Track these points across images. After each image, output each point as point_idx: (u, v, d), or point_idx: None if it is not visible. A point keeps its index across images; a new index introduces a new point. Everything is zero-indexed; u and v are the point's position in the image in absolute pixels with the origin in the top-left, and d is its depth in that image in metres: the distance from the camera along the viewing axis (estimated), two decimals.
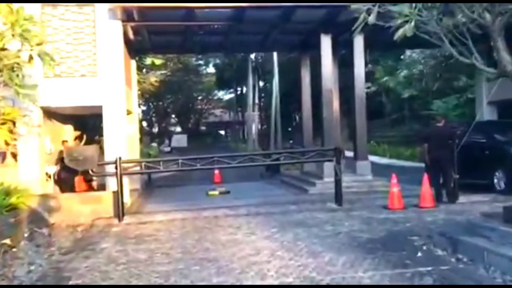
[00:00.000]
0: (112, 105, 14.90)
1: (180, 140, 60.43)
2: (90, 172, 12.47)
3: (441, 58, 34.57)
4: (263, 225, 10.83)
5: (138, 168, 13.55)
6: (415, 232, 9.31)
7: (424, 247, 8.08)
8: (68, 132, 19.04)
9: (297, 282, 6.56)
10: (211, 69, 71.83)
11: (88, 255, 8.80)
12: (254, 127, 45.72)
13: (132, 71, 19.19)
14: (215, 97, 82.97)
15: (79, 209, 12.88)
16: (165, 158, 14.99)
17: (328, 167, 16.17)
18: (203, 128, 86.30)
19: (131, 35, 16.89)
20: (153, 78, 26.64)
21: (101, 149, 14.62)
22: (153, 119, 75.38)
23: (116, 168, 12.19)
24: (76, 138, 19.24)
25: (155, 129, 73.25)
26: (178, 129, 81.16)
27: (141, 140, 48.27)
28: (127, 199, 14.96)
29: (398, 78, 36.98)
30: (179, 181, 23.22)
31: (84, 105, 15.05)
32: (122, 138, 14.95)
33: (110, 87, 14.86)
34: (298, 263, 7.44)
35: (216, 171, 22.03)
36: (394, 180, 12.57)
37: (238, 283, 6.67)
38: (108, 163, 12.99)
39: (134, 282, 6.98)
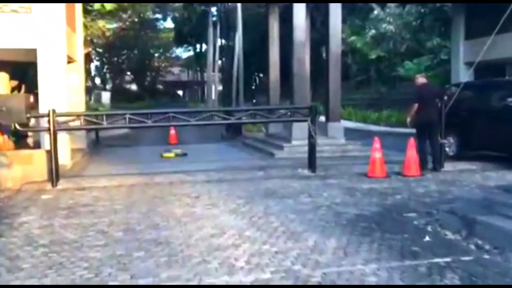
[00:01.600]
0: (49, 48, 12.72)
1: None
2: (17, 126, 10.30)
3: (410, 17, 33.14)
4: (227, 195, 9.06)
5: (78, 123, 11.39)
6: (410, 207, 7.70)
7: (429, 228, 6.44)
8: (2, 81, 16.68)
9: (277, 280, 4.82)
10: (169, 24, 68.89)
11: (1, 232, 6.84)
12: (214, 88, 43.65)
13: (76, 12, 16.82)
14: (173, 55, 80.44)
15: (5, 171, 10.81)
16: (109, 112, 12.83)
17: (298, 128, 14.53)
18: (160, 87, 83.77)
19: None
20: (102, 23, 23.80)
21: (36, 101, 12.51)
22: (107, 75, 72.34)
23: (48, 122, 10.11)
24: (13, 90, 16.94)
25: (109, 86, 70.28)
26: (134, 87, 78.35)
27: (89, 95, 45.98)
28: (67, 160, 12.95)
29: (366, 38, 35.36)
30: (131, 141, 21.19)
31: (14, 47, 12.82)
32: (60, 88, 12.83)
33: (46, 26, 12.65)
34: (275, 249, 5.68)
35: (172, 131, 20.10)
36: (377, 144, 10.93)
37: (196, 279, 4.89)
38: (38, 116, 10.90)
39: (51, 276, 5.11)
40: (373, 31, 35.24)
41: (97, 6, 23.09)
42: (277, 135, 16.99)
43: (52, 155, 10.30)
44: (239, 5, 33.04)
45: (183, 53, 78.84)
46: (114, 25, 57.00)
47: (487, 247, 5.60)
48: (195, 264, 5.27)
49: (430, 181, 9.99)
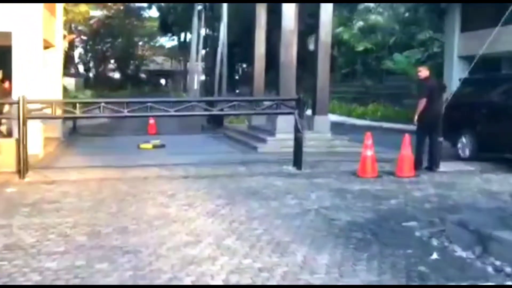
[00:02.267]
0: (24, 31, 11.87)
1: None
2: None
3: (401, 8, 32.52)
4: (205, 194, 8.32)
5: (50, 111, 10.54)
6: (409, 214, 7.01)
7: (435, 242, 5.71)
8: None
9: None
10: (154, 13, 67.63)
11: None
12: (197, 77, 42.78)
13: None
14: (158, 44, 79.28)
15: None
16: (84, 100, 11.98)
17: (282, 121, 13.80)
18: (143, 75, 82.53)
19: None
20: (84, 7, 22.70)
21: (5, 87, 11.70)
22: (91, 63, 70.99)
23: (18, 109, 9.27)
24: None
25: (92, 74, 68.96)
26: (117, 75, 77.08)
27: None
28: (39, 150, 12.13)
29: (353, 29, 34.68)
30: (110, 130, 20.30)
31: None
32: (36, 74, 11.99)
33: (22, 8, 11.78)
34: (258, 264, 4.93)
35: (151, 121, 19.26)
36: (369, 140, 10.23)
37: None
38: (6, 103, 10.05)
39: None
40: (360, 23, 34.59)
41: None
42: (260, 127, 16.25)
43: (21, 145, 9.47)
44: None
45: (167, 42, 77.71)
46: (99, 13, 55.95)
47: (508, 269, 4.82)
48: (165, 281, 4.52)
49: (427, 183, 9.32)
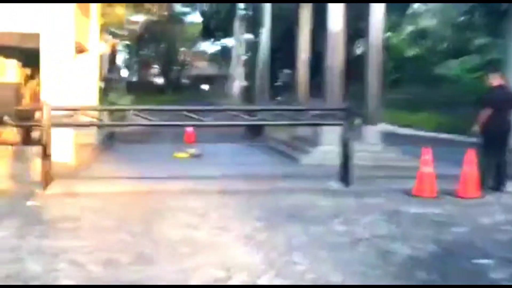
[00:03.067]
0: (54, 33, 11.24)
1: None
2: (5, 119, 8.78)
3: (453, 12, 31.03)
4: (240, 214, 7.40)
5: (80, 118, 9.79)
6: (478, 247, 5.91)
7: None
8: (12, 69, 15.26)
9: None
10: (197, 18, 67.40)
11: None
12: (238, 82, 42.03)
13: None
14: (200, 49, 79.21)
15: None
16: (112, 107, 11.23)
17: (327, 131, 12.77)
18: (185, 80, 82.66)
19: None
20: (121, 10, 22.06)
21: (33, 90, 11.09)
22: (134, 68, 71.38)
23: (41, 116, 8.55)
24: (26, 78, 15.52)
25: (135, 79, 69.22)
26: (160, 80, 77.33)
27: (108, 88, 44.62)
28: (70, 158, 11.44)
29: (402, 34, 33.36)
30: (147, 136, 19.60)
31: (16, 31, 11.39)
32: (66, 78, 11.34)
33: (52, 8, 11.17)
34: None
35: (189, 129, 18.47)
36: (426, 155, 9.13)
37: None
38: (29, 109, 9.38)
39: None
40: (410, 28, 33.25)
41: None
42: (303, 138, 15.22)
43: (45, 154, 8.76)
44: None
45: (209, 47, 77.49)
46: (142, 18, 56.03)
47: None
48: None
49: (495, 207, 8.17)
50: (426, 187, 8.97)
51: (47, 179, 8.68)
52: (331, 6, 13.58)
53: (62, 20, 11.21)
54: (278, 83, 56.62)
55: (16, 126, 10.38)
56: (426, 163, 9.03)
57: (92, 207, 7.68)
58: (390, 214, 7.57)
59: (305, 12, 17.10)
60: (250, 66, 42.32)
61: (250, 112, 11.85)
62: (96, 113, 9.26)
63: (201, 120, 9.12)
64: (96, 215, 7.20)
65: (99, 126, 9.61)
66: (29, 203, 7.95)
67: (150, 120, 8.88)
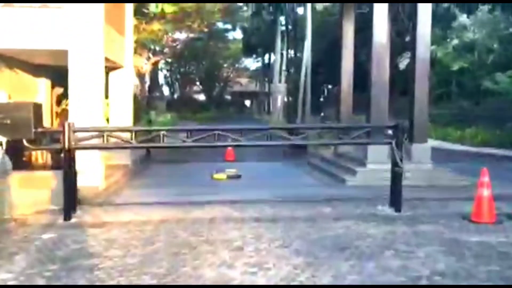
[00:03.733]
0: (82, 50, 10.76)
1: None
2: (25, 143, 8.22)
3: (500, 25, 29.68)
4: (280, 247, 6.59)
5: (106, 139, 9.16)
6: None
7: None
8: (44, 88, 14.98)
9: None
10: (238, 35, 67.31)
11: None
12: (280, 98, 41.37)
13: (126, 13, 14.89)
14: (242, 65, 79.22)
15: (18, 196, 8.81)
16: (139, 128, 10.58)
17: (374, 149, 11.96)
18: (227, 97, 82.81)
19: None
20: (157, 26, 21.62)
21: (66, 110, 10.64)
22: (175, 85, 71.67)
23: (63, 138, 7.97)
24: (58, 98, 15.22)
25: (176, 96, 69.44)
26: (202, 97, 77.55)
27: (149, 105, 44.62)
28: (98, 181, 10.90)
29: (447, 48, 32.07)
30: (186, 155, 19.03)
31: (43, 48, 10.99)
32: (95, 97, 10.82)
33: (80, 24, 10.71)
34: None
35: (229, 147, 17.79)
36: (485, 177, 8.17)
37: None
38: (49, 131, 8.83)
39: None
40: (456, 41, 31.96)
41: (155, 8, 21.12)
42: (348, 155, 14.36)
43: (66, 179, 8.18)
44: (308, 12, 30.76)
45: (252, 63, 77.43)
46: (184, 35, 56.09)
47: None
48: None
49: None
50: (485, 211, 8.03)
51: (70, 206, 8.08)
52: (375, 18, 12.75)
53: (91, 37, 10.71)
54: (322, 99, 55.94)
55: (35, 149, 9.87)
56: (484, 186, 8.07)
57: (116, 239, 7.01)
58: (448, 244, 6.66)
59: (348, 25, 16.27)
60: (293, 81, 41.75)
61: (289, 131, 11.13)
62: (126, 133, 8.65)
63: (237, 140, 8.40)
64: (119, 251, 6.50)
65: (125, 148, 8.94)
66: (46, 236, 7.29)
67: (181, 141, 8.21)
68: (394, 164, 8.59)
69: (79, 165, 8.85)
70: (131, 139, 8.12)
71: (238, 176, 13.31)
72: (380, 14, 12.81)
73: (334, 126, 10.02)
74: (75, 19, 10.68)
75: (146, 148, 10.94)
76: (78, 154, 8.68)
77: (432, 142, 24.09)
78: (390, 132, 9.07)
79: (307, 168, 15.70)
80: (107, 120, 14.50)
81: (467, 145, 24.21)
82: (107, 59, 12.08)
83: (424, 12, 12.94)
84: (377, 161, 12.11)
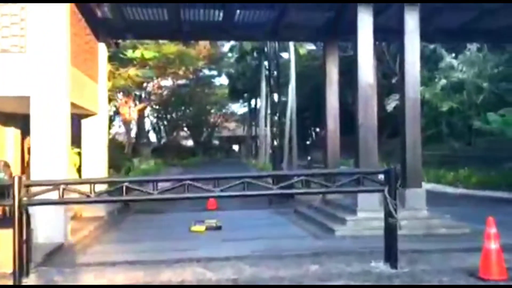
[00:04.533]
0: (45, 95, 9.91)
1: None
2: None
3: (488, 64, 29.29)
4: None
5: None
6: None
7: None
8: (13, 138, 14.03)
9: None
10: (224, 80, 67.09)
11: None
12: (265, 143, 40.72)
13: (98, 58, 14.11)
14: (229, 111, 79.00)
15: None
16: (100, 179, 9.51)
17: (365, 196, 11.07)
18: (215, 142, 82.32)
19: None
20: (134, 71, 20.83)
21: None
22: (162, 131, 70.88)
23: (13, 194, 6.98)
24: (30, 149, 14.24)
25: (163, 142, 68.52)
26: (190, 142, 76.90)
27: (135, 152, 43.61)
28: (64, 238, 9.85)
29: (435, 88, 31.57)
30: (165, 204, 17.91)
31: (6, 94, 10.12)
32: (59, 146, 9.89)
33: (42, 68, 9.88)
34: None
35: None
36: (492, 228, 7.25)
37: None
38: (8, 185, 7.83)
39: None
40: (443, 81, 31.50)
41: (133, 54, 20.39)
42: (336, 202, 13.42)
43: (17, 238, 7.14)
44: (292, 56, 30.41)
45: (239, 108, 77.12)
46: (169, 82, 55.72)
47: None
48: None
49: None
50: (494, 267, 7.06)
51: (21, 270, 7.03)
52: (360, 59, 12.06)
53: (54, 82, 9.87)
54: (309, 142, 55.31)
55: None
56: (491, 238, 7.14)
57: None
58: None
59: (332, 66, 15.63)
60: (279, 125, 41.17)
61: (275, 178, 10.23)
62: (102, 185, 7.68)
63: (211, 191, 7.44)
64: None
65: (82, 203, 7.87)
66: None
67: (148, 193, 7.24)
68: (388, 214, 7.65)
69: (39, 221, 7.86)
70: (91, 192, 7.13)
71: (218, 228, 12.28)
72: (365, 53, 12.13)
73: (320, 172, 9.10)
74: (38, 63, 9.86)
75: (107, 202, 9.88)
76: (38, 210, 7.72)
77: (425, 185, 23.30)
78: (381, 177, 8.18)
79: (293, 216, 14.72)
80: (78, 169, 13.56)
81: (461, 187, 23.39)
82: (75, 105, 11.24)
83: (412, 50, 12.27)
84: (368, 209, 11.25)
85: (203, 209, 16.11)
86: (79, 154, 13.71)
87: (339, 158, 15.39)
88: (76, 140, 14.40)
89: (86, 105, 12.60)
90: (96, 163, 13.93)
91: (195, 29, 14.44)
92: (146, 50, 21.64)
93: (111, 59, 17.67)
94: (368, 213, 11.23)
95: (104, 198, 7.56)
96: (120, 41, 16.20)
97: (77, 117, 14.02)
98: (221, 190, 7.47)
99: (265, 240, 10.53)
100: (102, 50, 14.14)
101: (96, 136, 14.01)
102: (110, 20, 13.33)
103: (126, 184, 7.20)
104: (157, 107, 61.97)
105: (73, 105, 10.93)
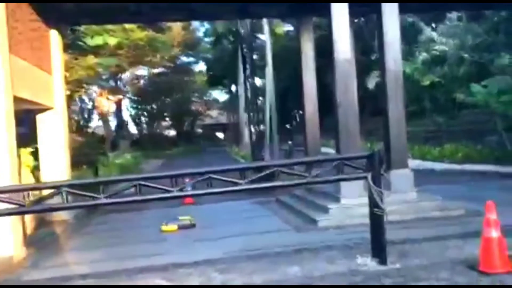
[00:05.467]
0: None
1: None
2: None
3: (469, 35, 28.39)
4: None
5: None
6: None
7: None
8: None
9: None
10: (203, 67, 65.73)
11: None
12: (248, 129, 39.61)
13: (51, 47, 12.92)
14: (211, 98, 77.74)
15: None
16: (25, 186, 8.18)
17: (348, 182, 10.06)
18: (199, 130, 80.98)
19: None
20: (92, 59, 19.41)
21: None
22: (142, 122, 69.46)
23: None
24: None
25: (145, 133, 67.16)
26: (172, 132, 75.53)
27: (114, 146, 42.37)
28: (13, 251, 8.76)
29: (416, 63, 30.67)
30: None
31: None
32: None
33: None
34: None
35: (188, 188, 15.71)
36: (491, 214, 6.31)
37: None
38: None
39: None
40: (424, 54, 30.60)
41: (94, 41, 19.03)
42: (319, 189, 12.44)
43: None
44: (267, 37, 29.23)
45: (221, 95, 75.88)
46: (146, 72, 54.40)
47: None
48: None
49: None
50: (496, 258, 6.15)
51: None
52: (335, 33, 11.03)
53: None
54: (294, 125, 54.21)
55: None
56: (492, 225, 6.21)
57: None
58: None
59: (308, 45, 14.58)
60: (261, 110, 40.07)
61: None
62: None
63: (169, 191, 6.40)
64: None
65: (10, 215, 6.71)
66: None
67: (93, 198, 6.19)
68: (373, 204, 6.69)
69: None
70: (25, 198, 6.06)
71: (192, 226, 11.27)
72: (341, 26, 11.10)
73: (293, 162, 8.09)
74: None
75: (38, 212, 8.71)
76: None
77: (411, 163, 22.46)
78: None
79: (275, 206, 13.79)
80: (32, 171, 12.43)
81: (448, 162, 22.59)
82: (23, 100, 10.12)
83: (390, 19, 11.27)
84: (352, 195, 10.31)
85: (180, 203, 15.07)
86: (34, 153, 12.58)
87: (319, 141, 14.42)
88: (33, 138, 13.31)
89: (39, 99, 11.48)
90: (56, 162, 12.81)
91: (156, 10, 13.25)
92: (111, 37, 20.32)
93: (70, 48, 16.42)
94: (352, 200, 10.33)
95: (36, 208, 6.43)
96: (77, 27, 14.99)
97: (33, 113, 12.92)
98: (180, 190, 6.43)
99: (241, 237, 9.57)
100: (55, 38, 12.95)
101: (54, 132, 12.88)
102: (61, 5, 12.12)
103: (65, 189, 6.12)
104: (135, 97, 60.68)
105: (20, 99, 9.81)
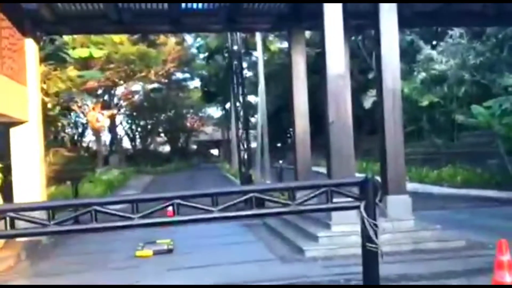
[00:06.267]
0: None
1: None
2: None
3: (470, 54, 27.66)
4: None
5: None
6: None
7: None
8: None
9: None
10: (198, 83, 65.04)
11: None
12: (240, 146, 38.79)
13: (26, 57, 12.04)
14: (206, 114, 77.19)
15: None
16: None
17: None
18: (193, 147, 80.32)
19: None
20: (72, 72, 18.37)
21: None
22: (136, 138, 68.63)
23: None
24: None
25: (138, 149, 66.31)
26: (167, 148, 74.81)
27: (107, 161, 41.49)
28: None
29: (414, 82, 29.97)
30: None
31: None
32: None
33: None
34: None
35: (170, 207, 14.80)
36: (505, 255, 5.44)
37: None
38: None
39: None
40: (423, 74, 29.90)
41: (77, 53, 18.20)
42: (309, 214, 11.53)
43: None
44: (260, 55, 28.57)
45: (216, 112, 75.23)
46: (139, 87, 53.75)
47: None
48: None
49: None
50: None
51: None
52: (328, 46, 10.21)
53: None
54: (287, 143, 53.45)
55: None
56: (505, 267, 5.38)
57: None
58: None
59: (299, 58, 13.82)
60: (254, 128, 39.27)
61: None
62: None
63: (128, 219, 5.51)
64: None
65: None
66: None
67: (42, 225, 5.29)
68: (366, 238, 5.78)
69: None
70: None
71: (168, 251, 10.34)
72: (334, 39, 10.26)
73: (274, 187, 7.19)
74: None
75: None
76: None
77: (408, 186, 21.55)
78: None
79: (261, 230, 12.88)
80: (2, 188, 11.48)
81: (447, 186, 21.76)
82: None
83: (388, 32, 10.46)
84: (344, 222, 9.42)
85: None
86: (4, 169, 11.68)
87: (310, 160, 13.56)
88: (7, 153, 12.44)
89: (9, 111, 10.60)
90: (30, 178, 11.91)
91: (138, 20, 12.45)
92: (99, 50, 19.48)
93: (51, 58, 15.57)
94: (343, 227, 9.48)
95: None
96: (57, 37, 14.17)
97: (5, 126, 12.05)
98: (142, 217, 5.54)
99: (220, 267, 8.66)
100: (31, 47, 12.08)
101: (28, 146, 11.97)
102: (37, 12, 11.30)
103: (10, 215, 5.21)
104: (129, 113, 60.02)
105: None
